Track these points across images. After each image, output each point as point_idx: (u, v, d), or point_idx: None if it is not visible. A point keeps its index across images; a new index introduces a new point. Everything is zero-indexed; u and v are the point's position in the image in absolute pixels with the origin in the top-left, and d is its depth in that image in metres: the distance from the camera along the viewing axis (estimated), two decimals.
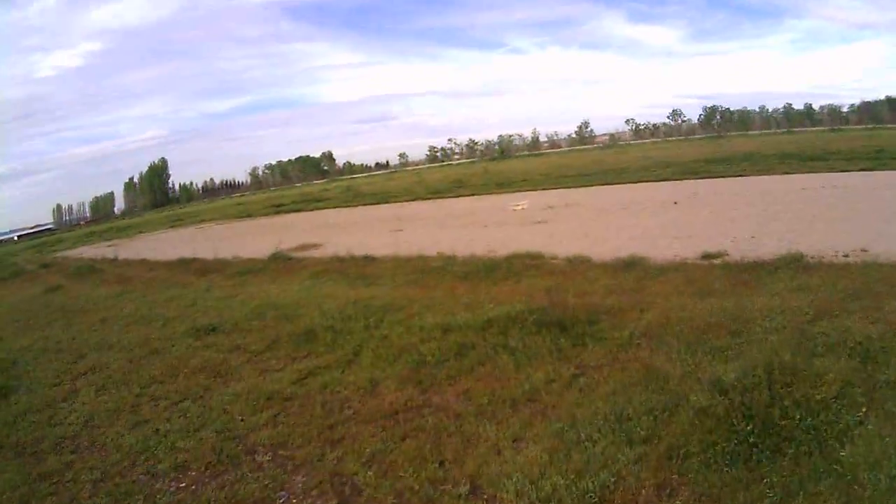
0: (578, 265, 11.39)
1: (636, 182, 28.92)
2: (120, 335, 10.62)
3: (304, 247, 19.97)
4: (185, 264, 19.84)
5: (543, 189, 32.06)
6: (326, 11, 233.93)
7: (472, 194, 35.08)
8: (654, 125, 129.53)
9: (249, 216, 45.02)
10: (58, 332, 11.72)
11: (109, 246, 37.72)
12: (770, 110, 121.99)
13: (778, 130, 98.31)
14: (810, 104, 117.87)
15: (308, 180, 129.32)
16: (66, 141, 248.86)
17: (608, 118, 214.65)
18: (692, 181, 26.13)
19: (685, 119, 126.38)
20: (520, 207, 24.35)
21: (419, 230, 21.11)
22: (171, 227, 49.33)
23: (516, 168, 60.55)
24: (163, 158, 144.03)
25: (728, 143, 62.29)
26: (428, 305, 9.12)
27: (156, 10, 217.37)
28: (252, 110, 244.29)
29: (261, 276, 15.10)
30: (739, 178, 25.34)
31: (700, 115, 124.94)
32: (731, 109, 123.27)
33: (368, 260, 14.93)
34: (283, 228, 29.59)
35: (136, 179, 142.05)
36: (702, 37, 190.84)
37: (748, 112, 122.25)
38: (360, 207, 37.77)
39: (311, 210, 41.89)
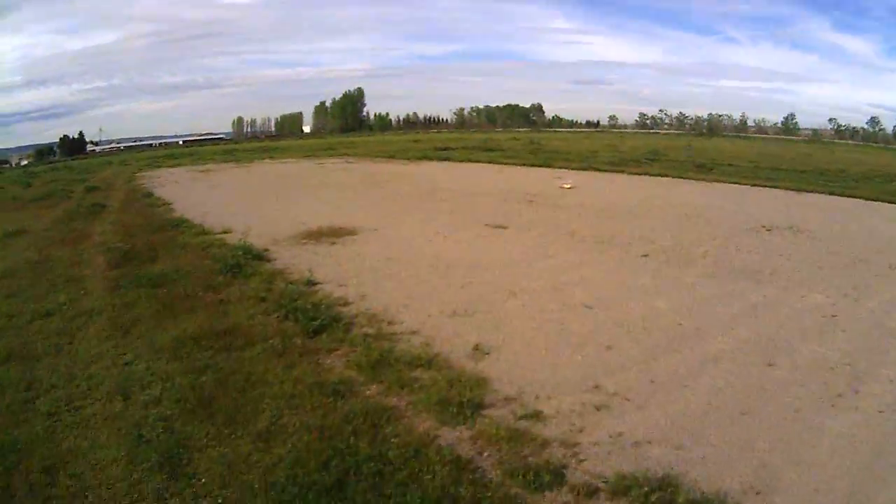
0: None
1: (871, 199, 19.19)
2: None
3: (336, 231, 13.21)
4: (160, 229, 14.48)
5: (752, 184, 22.28)
6: None
7: (662, 174, 25.56)
8: (853, 128, 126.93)
9: (392, 157, 39.42)
10: None
11: (202, 171, 34.59)
12: None
13: None
14: None
15: (513, 127, 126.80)
16: (256, 63, 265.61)
17: (808, 114, 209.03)
18: None
19: (881, 128, 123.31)
20: (568, 186, 20.42)
21: (533, 233, 12.74)
22: (307, 156, 45.05)
23: (722, 148, 51.46)
24: (359, 88, 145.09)
25: None
26: None
27: None
28: (465, 57, 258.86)
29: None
30: None
31: (894, 126, 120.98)
32: None
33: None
34: (383, 184, 23.34)
35: (328, 104, 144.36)
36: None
37: None
38: (516, 168, 29.83)
39: (467, 161, 34.65)
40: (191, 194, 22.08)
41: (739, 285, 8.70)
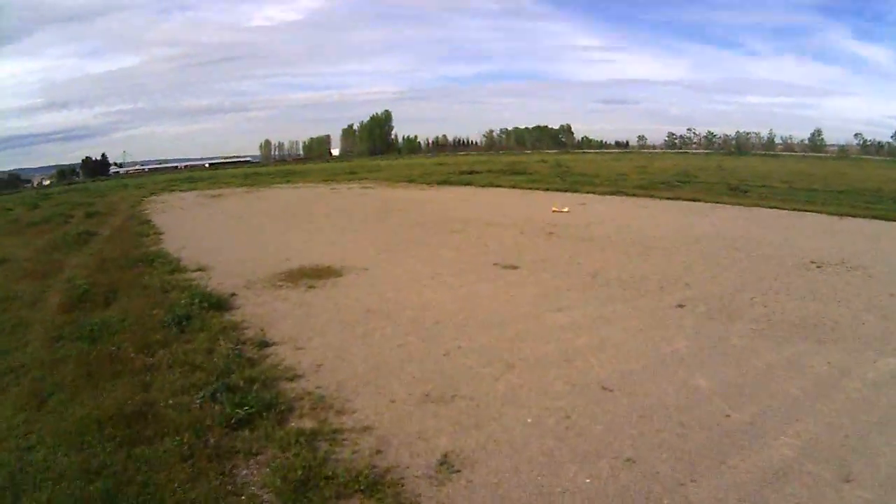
0: None
1: None
2: None
3: (319, 272, 11.65)
4: (133, 264, 13.22)
5: (792, 209, 20.50)
6: None
7: (694, 198, 23.62)
8: (879, 143, 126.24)
9: (412, 182, 38.24)
10: None
11: (213, 196, 34.49)
12: None
13: None
14: None
15: (543, 149, 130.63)
16: (282, 86, 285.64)
17: (833, 129, 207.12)
18: None
19: None
20: (565, 210, 20.25)
21: (548, 275, 11.30)
22: (326, 180, 44.54)
23: (753, 168, 50.11)
24: (387, 111, 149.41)
25: None
26: None
27: None
28: (493, 79, 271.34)
29: None
30: None
31: None
32: None
33: None
34: (393, 213, 21.99)
35: (355, 127, 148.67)
36: None
37: None
38: (540, 194, 27.98)
39: (489, 186, 33.05)
40: (187, 223, 21.48)
41: (798, 347, 6.92)
